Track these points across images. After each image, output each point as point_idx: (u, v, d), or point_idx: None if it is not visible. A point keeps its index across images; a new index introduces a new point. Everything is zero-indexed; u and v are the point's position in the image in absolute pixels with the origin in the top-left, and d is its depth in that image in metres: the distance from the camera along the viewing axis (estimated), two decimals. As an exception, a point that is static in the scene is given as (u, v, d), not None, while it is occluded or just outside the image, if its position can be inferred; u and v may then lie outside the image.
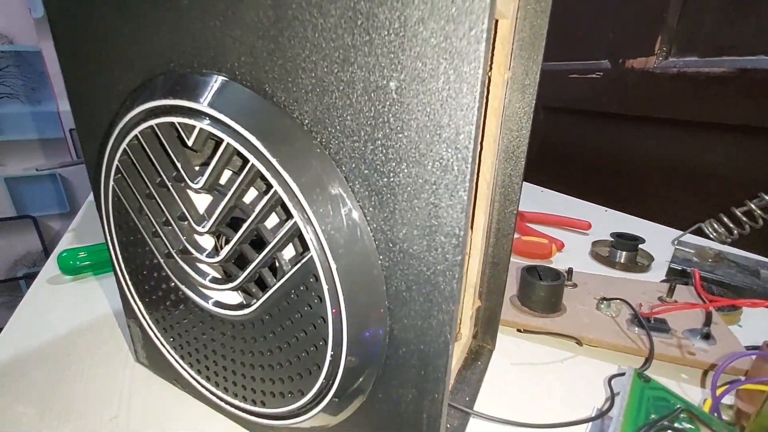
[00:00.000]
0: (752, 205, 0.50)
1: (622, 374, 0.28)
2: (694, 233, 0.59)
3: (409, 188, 0.14)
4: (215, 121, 0.16)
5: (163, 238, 0.21)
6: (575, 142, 1.03)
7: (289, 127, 0.15)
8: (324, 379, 0.18)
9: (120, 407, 0.28)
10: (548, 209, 0.69)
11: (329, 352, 0.17)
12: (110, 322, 0.37)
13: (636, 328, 0.36)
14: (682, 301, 0.41)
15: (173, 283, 0.22)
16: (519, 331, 0.37)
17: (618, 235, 0.54)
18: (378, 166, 0.15)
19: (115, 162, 0.21)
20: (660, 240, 0.60)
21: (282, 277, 0.17)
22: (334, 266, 0.16)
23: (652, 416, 0.24)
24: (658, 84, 0.80)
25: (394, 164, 0.14)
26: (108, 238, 0.24)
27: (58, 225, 1.21)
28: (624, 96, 0.88)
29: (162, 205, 0.20)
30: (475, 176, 0.28)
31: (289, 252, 0.18)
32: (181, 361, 0.25)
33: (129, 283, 0.25)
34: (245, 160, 0.16)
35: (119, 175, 0.21)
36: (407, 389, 0.17)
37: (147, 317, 0.25)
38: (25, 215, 1.13)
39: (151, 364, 0.30)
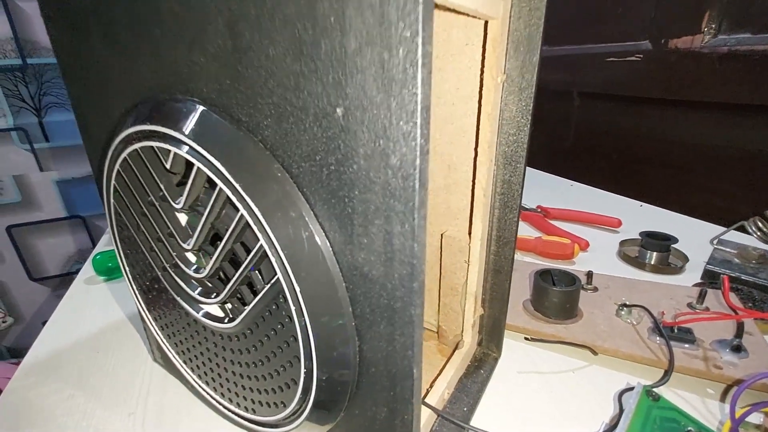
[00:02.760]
0: (802, 202, 0.45)
1: (632, 388, 0.27)
2: (739, 231, 0.55)
3: (363, 214, 0.14)
4: (186, 146, 0.17)
5: (158, 253, 0.22)
6: (612, 131, 0.97)
7: (252, 151, 0.16)
8: (301, 393, 0.18)
9: (137, 404, 0.30)
10: (577, 205, 0.66)
11: (302, 369, 0.17)
12: (134, 322, 0.39)
13: (657, 338, 0.34)
14: (713, 309, 0.38)
15: (170, 295, 0.23)
16: (527, 339, 0.36)
17: (648, 235, 0.50)
18: (334, 191, 0.14)
19: (112, 181, 0.22)
20: (698, 238, 0.56)
21: (256, 297, 0.18)
22: (298, 288, 0.16)
23: (657, 438, 0.22)
24: (706, 65, 0.73)
25: (347, 189, 0.14)
26: (116, 248, 0.26)
27: (105, 224, 1.31)
28: (667, 79, 0.81)
29: (153, 223, 0.21)
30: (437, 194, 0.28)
31: (266, 271, 0.18)
32: (184, 366, 0.26)
33: (136, 291, 0.26)
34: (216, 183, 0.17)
35: (117, 193, 0.22)
36: (380, 407, 0.18)
37: (153, 323, 0.27)
38: (75, 215, 1.23)
39: (166, 364, 0.32)
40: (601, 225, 0.62)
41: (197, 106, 0.17)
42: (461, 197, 0.29)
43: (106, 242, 0.56)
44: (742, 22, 0.68)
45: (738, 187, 0.72)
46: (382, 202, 0.13)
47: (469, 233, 0.29)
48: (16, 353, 1.32)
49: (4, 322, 1.26)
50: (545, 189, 0.81)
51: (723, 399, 0.30)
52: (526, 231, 0.60)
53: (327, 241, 0.16)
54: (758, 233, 0.51)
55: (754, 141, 0.69)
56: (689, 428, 0.23)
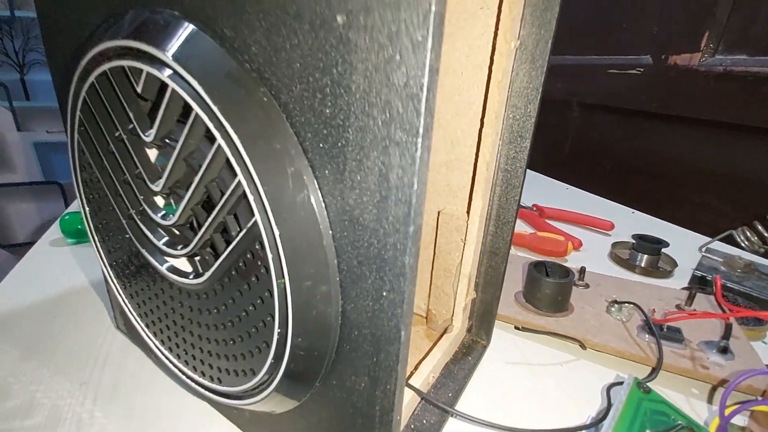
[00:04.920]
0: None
1: (621, 383, 0.26)
2: (725, 241, 0.55)
3: (358, 145, 0.12)
4: (159, 64, 0.15)
5: (123, 197, 0.20)
6: (609, 141, 0.97)
7: (235, 71, 0.14)
8: (273, 358, 0.16)
9: (92, 373, 0.28)
10: (571, 207, 0.65)
11: (276, 330, 0.16)
12: (99, 289, 0.37)
13: (647, 336, 0.33)
14: (701, 310, 0.37)
15: (135, 247, 0.21)
16: (517, 328, 0.34)
17: (640, 237, 0.50)
18: (327, 119, 0.13)
19: (78, 112, 0.19)
20: (687, 246, 0.55)
21: (230, 245, 0.16)
22: (277, 233, 0.14)
23: (647, 431, 0.21)
24: (702, 83, 0.74)
25: (342, 116, 0.12)
26: (78, 194, 0.23)
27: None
28: (664, 94, 0.82)
29: (120, 161, 0.19)
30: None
31: (244, 215, 0.16)
32: (146, 330, 0.24)
33: (98, 243, 0.24)
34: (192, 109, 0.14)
35: (82, 128, 0.20)
36: (360, 377, 0.16)
37: (115, 281, 0.24)
38: (52, 181, 1.18)
39: (129, 332, 0.30)
40: (593, 227, 0.61)
41: (176, 18, 0.15)
42: (462, 174, 0.27)
43: (79, 204, 0.53)
44: (739, 44, 0.69)
45: (725, 203, 0.73)
46: (381, 128, 0.12)
47: (468, 211, 0.27)
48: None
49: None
50: (541, 190, 0.81)
51: (707, 399, 0.29)
52: (521, 227, 0.59)
53: (315, 179, 0.14)
54: (746, 242, 0.51)
55: (744, 161, 0.69)
56: (679, 422, 0.21)
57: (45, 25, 0.21)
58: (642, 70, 0.86)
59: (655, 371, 0.29)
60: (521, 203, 0.65)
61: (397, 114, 0.11)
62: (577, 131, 1.04)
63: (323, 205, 0.14)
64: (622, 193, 0.84)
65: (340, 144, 0.13)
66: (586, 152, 1.02)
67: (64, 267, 0.40)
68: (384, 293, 0.13)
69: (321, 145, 0.13)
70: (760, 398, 0.27)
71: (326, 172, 0.13)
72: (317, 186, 0.14)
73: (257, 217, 0.14)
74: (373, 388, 0.15)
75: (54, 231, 0.45)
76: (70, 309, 0.34)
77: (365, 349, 0.15)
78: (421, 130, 0.11)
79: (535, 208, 0.65)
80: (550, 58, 0.24)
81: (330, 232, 0.14)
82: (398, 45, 0.10)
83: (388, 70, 0.11)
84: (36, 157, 1.14)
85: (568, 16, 1.01)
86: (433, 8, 0.10)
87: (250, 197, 0.14)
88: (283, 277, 0.14)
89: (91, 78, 0.17)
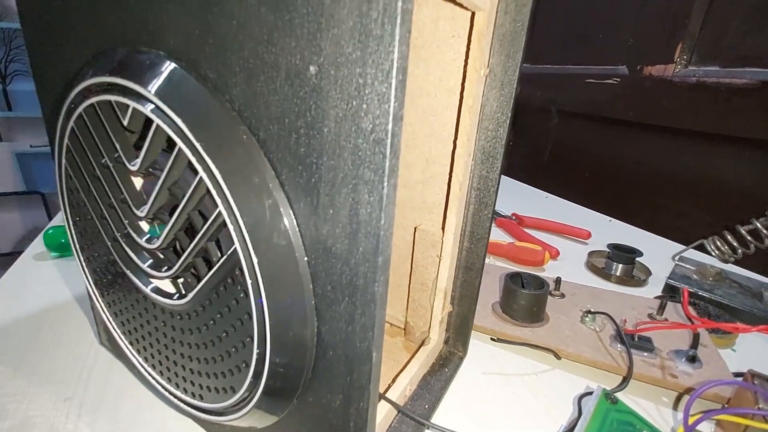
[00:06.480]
0: (758, 224, 0.47)
1: (592, 393, 0.27)
2: (698, 250, 0.57)
3: (330, 183, 0.13)
4: (145, 101, 0.15)
5: (109, 221, 0.20)
6: (587, 149, 1.00)
7: (217, 110, 0.15)
8: (252, 377, 0.17)
9: (76, 389, 0.28)
10: (550, 215, 0.67)
11: (255, 350, 0.16)
12: (83, 303, 0.37)
13: (619, 345, 0.34)
14: (672, 320, 0.39)
15: (120, 269, 0.21)
16: (493, 339, 0.36)
17: (615, 247, 0.52)
18: (302, 158, 0.14)
19: (66, 140, 0.20)
20: (661, 254, 0.58)
21: (211, 270, 0.16)
22: (255, 260, 0.15)
23: (613, 441, 0.22)
24: (676, 93, 0.77)
25: (315, 156, 0.13)
26: (65, 216, 0.24)
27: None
28: (640, 104, 0.85)
29: (106, 186, 0.19)
30: (399, 177, 0.27)
31: (225, 242, 0.17)
32: (130, 347, 0.24)
33: (83, 263, 0.24)
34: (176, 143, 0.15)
35: (69, 153, 0.20)
36: (335, 394, 0.17)
37: (100, 299, 0.25)
38: (34, 191, 1.16)
39: (113, 347, 0.30)
40: (571, 236, 0.63)
41: (162, 59, 0.16)
42: (437, 191, 0.28)
43: (63, 218, 0.53)
44: (711, 55, 0.72)
45: (699, 210, 0.76)
46: (351, 169, 0.13)
47: (443, 228, 0.28)
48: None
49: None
50: (521, 198, 0.83)
51: (676, 407, 0.30)
52: (500, 237, 0.61)
53: (291, 211, 0.15)
54: (716, 252, 0.53)
55: (717, 169, 0.72)
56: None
57: (34, 56, 0.21)
58: (618, 79, 0.89)
59: (625, 381, 0.31)
60: (501, 212, 0.67)
61: (365, 156, 0.12)
62: (557, 138, 1.07)
63: (299, 234, 0.15)
64: (599, 201, 0.86)
65: (313, 180, 0.14)
66: (565, 159, 1.04)
67: (47, 281, 0.40)
68: (356, 317, 0.14)
69: (297, 180, 0.14)
70: (726, 406, 0.29)
71: (301, 204, 0.14)
72: (294, 217, 0.15)
73: (237, 245, 0.15)
74: (347, 406, 0.16)
75: (38, 245, 0.45)
76: (54, 323, 0.34)
77: (339, 369, 0.16)
78: (387, 171, 0.12)
79: (514, 218, 0.66)
80: (518, 85, 0.25)
81: (305, 259, 0.15)
82: (365, 96, 0.12)
83: (357, 117, 0.12)
84: (18, 168, 1.12)
85: (548, 27, 1.05)
86: (395, 64, 0.11)
87: (230, 227, 0.15)
88: (261, 302, 0.15)
89: (80, 109, 0.18)
